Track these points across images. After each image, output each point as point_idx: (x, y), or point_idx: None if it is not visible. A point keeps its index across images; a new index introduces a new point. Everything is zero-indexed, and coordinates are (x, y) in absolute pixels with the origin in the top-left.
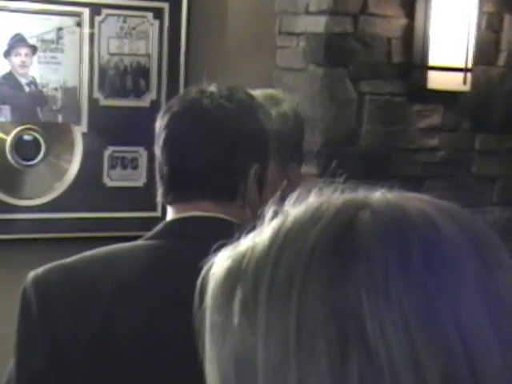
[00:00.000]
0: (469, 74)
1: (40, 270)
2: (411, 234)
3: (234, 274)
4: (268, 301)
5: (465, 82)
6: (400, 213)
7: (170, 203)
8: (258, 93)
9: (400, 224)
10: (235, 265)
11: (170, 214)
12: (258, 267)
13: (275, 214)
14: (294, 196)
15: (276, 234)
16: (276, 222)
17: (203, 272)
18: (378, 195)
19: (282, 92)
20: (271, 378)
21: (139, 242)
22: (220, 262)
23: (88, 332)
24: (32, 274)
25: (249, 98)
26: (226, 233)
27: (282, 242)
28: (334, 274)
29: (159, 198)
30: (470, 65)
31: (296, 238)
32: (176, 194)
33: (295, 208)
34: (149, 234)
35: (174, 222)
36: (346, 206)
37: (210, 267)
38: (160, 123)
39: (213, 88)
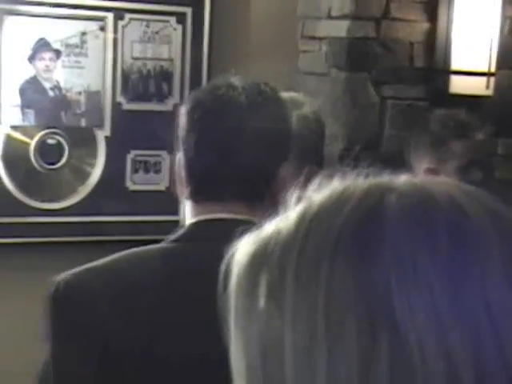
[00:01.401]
0: (492, 79)
1: (69, 273)
2: (438, 217)
3: (260, 259)
4: (295, 284)
5: (488, 86)
6: (426, 196)
7: (199, 202)
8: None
9: (427, 207)
10: (260, 249)
11: (196, 212)
12: (285, 251)
13: (299, 200)
14: (316, 181)
15: (301, 219)
16: (300, 207)
17: (227, 257)
18: (404, 179)
19: (303, 95)
20: (299, 361)
21: (168, 244)
22: (244, 247)
23: (139, 335)
24: (61, 277)
25: (276, 93)
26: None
27: (308, 226)
28: (362, 258)
29: (186, 196)
30: (492, 69)
31: (322, 223)
32: (208, 193)
33: (319, 193)
34: (177, 234)
35: (205, 223)
36: (372, 189)
37: (234, 252)
38: (189, 118)
39: (240, 82)
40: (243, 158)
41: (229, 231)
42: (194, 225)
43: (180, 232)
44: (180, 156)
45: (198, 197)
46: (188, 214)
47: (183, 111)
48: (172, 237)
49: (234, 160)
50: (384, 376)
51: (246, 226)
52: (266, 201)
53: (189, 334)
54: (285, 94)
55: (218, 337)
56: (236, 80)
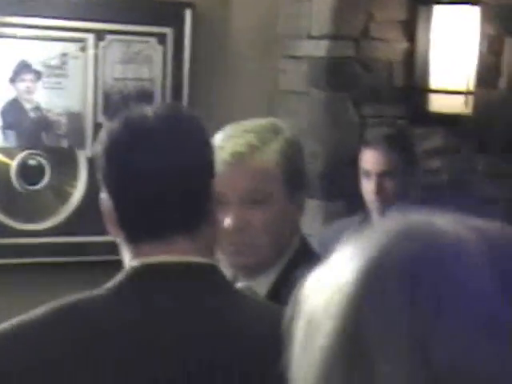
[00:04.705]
0: (470, 97)
1: None
2: (440, 269)
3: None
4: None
5: (466, 104)
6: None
7: (138, 243)
8: (262, 122)
9: (430, 255)
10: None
11: (136, 252)
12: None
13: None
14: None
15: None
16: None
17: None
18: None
19: (281, 120)
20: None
21: (104, 291)
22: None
23: None
24: None
25: (189, 114)
26: (202, 283)
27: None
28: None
29: (122, 239)
30: (471, 88)
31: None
32: (146, 233)
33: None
34: (115, 281)
35: (144, 268)
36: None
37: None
38: (107, 158)
39: (154, 112)
40: (175, 185)
41: (171, 281)
42: (135, 271)
43: (119, 277)
44: (105, 197)
45: (135, 238)
46: (126, 254)
47: (99, 150)
48: (110, 283)
49: (167, 190)
50: None
51: (193, 270)
52: (208, 223)
53: None
54: (266, 120)
55: None
56: (148, 110)
